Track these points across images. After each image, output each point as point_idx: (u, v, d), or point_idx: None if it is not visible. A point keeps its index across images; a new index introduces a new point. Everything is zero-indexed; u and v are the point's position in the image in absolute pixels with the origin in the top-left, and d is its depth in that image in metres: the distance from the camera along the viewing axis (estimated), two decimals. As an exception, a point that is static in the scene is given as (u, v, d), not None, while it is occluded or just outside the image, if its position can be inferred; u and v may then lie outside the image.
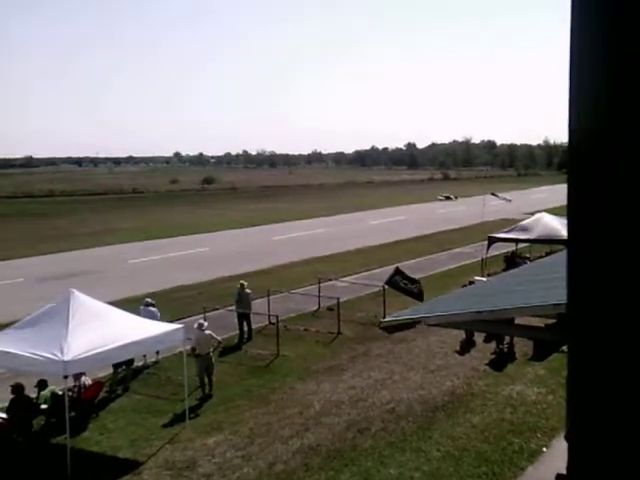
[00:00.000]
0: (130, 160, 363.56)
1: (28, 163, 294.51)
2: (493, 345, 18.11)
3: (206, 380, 15.33)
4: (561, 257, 11.12)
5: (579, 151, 2.06)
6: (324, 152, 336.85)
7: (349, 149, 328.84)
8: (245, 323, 19.70)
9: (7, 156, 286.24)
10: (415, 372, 16.58)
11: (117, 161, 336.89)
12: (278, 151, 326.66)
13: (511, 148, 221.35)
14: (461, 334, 18.41)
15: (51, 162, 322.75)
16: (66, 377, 11.58)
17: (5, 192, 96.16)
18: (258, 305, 21.09)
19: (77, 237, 45.13)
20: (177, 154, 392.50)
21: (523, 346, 17.79)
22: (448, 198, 78.53)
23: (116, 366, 15.48)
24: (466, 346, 18.35)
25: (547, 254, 26.44)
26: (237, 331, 19.66)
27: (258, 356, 18.10)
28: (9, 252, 37.55)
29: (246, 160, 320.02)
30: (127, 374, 16.00)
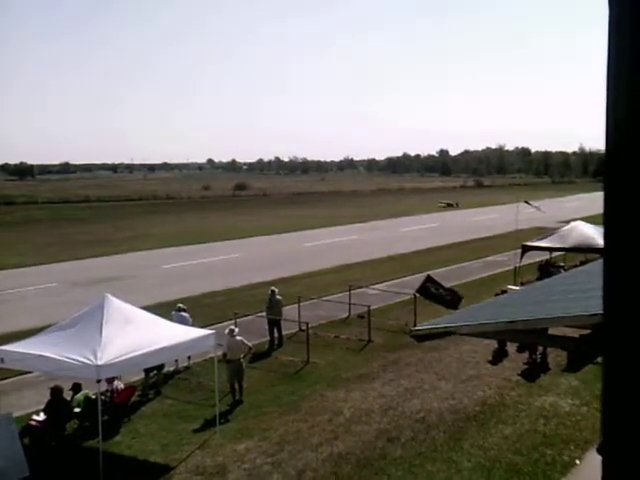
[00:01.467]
0: (164, 166, 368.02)
1: (65, 169, 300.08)
2: (526, 355, 17.85)
3: (236, 386, 15.40)
4: (596, 266, 10.92)
5: (616, 159, 2.03)
6: (356, 159, 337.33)
7: (381, 156, 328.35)
8: (275, 329, 19.74)
9: (45, 162, 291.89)
10: (446, 381, 16.43)
11: (151, 167, 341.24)
12: (310, 158, 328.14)
13: (546, 155, 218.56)
14: (493, 343, 18.20)
15: (87, 168, 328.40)
16: (99, 381, 11.73)
17: (42, 198, 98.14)
18: (288, 312, 21.13)
19: (112, 242, 45.80)
20: (210, 161, 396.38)
21: (557, 356, 17.52)
22: (449, 205, 77.85)
23: (148, 370, 15.62)
24: (498, 356, 18.12)
25: (582, 263, 26.01)
26: (267, 337, 19.72)
27: (288, 363, 18.13)
28: (45, 257, 38.28)
29: (278, 167, 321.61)
30: (158, 379, 16.15)
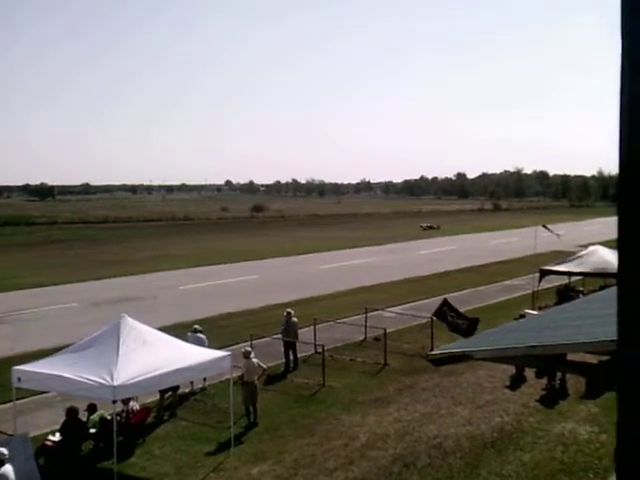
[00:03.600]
0: (183, 188, 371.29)
1: (85, 190, 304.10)
2: (544, 381, 17.61)
3: (251, 408, 15.34)
4: (616, 291, 10.80)
5: (629, 183, 2.03)
6: (373, 181, 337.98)
7: (398, 178, 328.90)
8: (291, 352, 19.67)
9: (65, 183, 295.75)
10: (463, 407, 16.24)
11: (170, 189, 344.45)
12: (327, 180, 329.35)
13: (564, 179, 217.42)
14: (511, 369, 17.99)
15: (107, 189, 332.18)
16: (115, 402, 11.75)
17: (63, 218, 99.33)
18: (304, 334, 21.07)
19: (130, 263, 46.10)
20: (228, 182, 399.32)
21: (576, 382, 17.26)
22: (430, 227, 77.70)
23: (163, 392, 15.61)
24: (516, 381, 17.90)
25: (601, 288, 25.72)
26: (283, 359, 19.66)
27: (304, 385, 18.04)
28: (64, 277, 38.60)
29: (295, 188, 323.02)
30: (173, 400, 16.13)
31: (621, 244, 2.10)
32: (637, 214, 2.02)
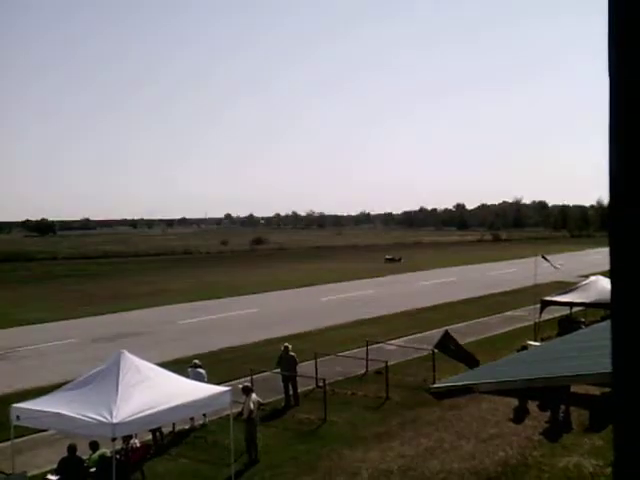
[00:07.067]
0: (183, 222, 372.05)
1: (85, 225, 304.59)
2: (548, 413, 17.45)
3: (252, 445, 15.16)
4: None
5: (618, 214, 2.04)
6: (372, 213, 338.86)
7: (397, 210, 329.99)
8: (291, 386, 19.49)
9: (65, 218, 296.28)
10: (466, 441, 16.06)
11: (170, 223, 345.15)
12: (327, 212, 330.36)
13: (563, 209, 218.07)
14: (514, 401, 17.84)
15: (107, 224, 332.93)
16: (114, 439, 11.62)
17: (63, 253, 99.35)
18: (305, 367, 20.93)
19: (129, 298, 45.98)
20: (228, 215, 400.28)
21: (580, 415, 17.10)
22: (393, 260, 78.01)
23: (154, 431, 15.54)
24: (520, 414, 17.72)
25: (603, 318, 25.61)
26: (283, 394, 19.47)
27: (305, 420, 17.86)
28: (64, 313, 38.48)
29: (295, 221, 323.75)
30: (161, 436, 15.93)
31: (614, 274, 2.11)
32: (627, 244, 2.03)
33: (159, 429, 15.72)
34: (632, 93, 1.99)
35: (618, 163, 2.04)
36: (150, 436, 15.87)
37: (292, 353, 19.94)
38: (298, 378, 19.64)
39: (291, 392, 19.43)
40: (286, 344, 20.48)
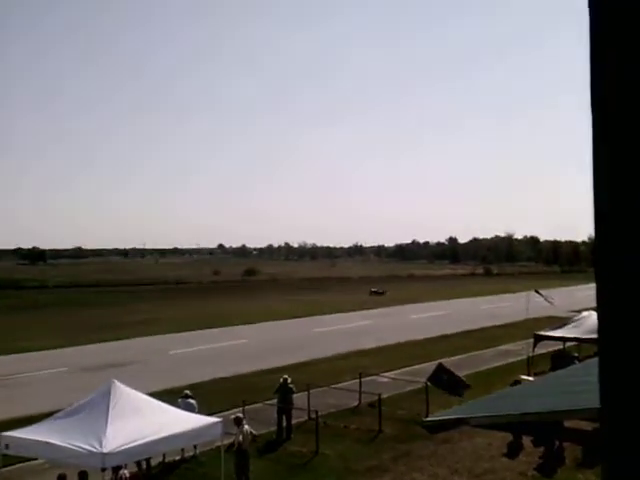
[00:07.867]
0: (175, 252, 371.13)
1: (77, 254, 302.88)
2: (542, 448, 17.34)
3: (243, 477, 14.99)
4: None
5: (603, 250, 2.07)
6: (365, 245, 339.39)
7: (390, 242, 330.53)
8: (285, 418, 19.32)
9: (57, 247, 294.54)
10: (460, 476, 15.91)
11: (163, 252, 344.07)
12: (319, 244, 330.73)
13: (555, 244, 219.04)
14: (508, 436, 17.73)
15: (99, 253, 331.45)
16: (104, 470, 11.48)
17: (54, 282, 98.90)
18: (297, 399, 20.73)
19: (121, 327, 45.69)
20: (221, 246, 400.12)
21: (574, 450, 17.00)
22: (377, 293, 78.50)
23: (139, 462, 15.33)
24: (514, 449, 17.60)
25: (596, 353, 25.51)
26: (275, 426, 19.28)
27: (297, 453, 17.67)
28: (54, 341, 38.17)
29: (288, 252, 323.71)
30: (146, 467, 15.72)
31: (600, 311, 2.12)
32: (612, 282, 2.04)
33: (147, 459, 15.50)
34: (614, 135, 1.97)
35: (602, 204, 2.05)
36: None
37: (291, 385, 19.79)
38: (292, 410, 19.47)
39: (284, 424, 19.26)
40: (285, 376, 20.32)
